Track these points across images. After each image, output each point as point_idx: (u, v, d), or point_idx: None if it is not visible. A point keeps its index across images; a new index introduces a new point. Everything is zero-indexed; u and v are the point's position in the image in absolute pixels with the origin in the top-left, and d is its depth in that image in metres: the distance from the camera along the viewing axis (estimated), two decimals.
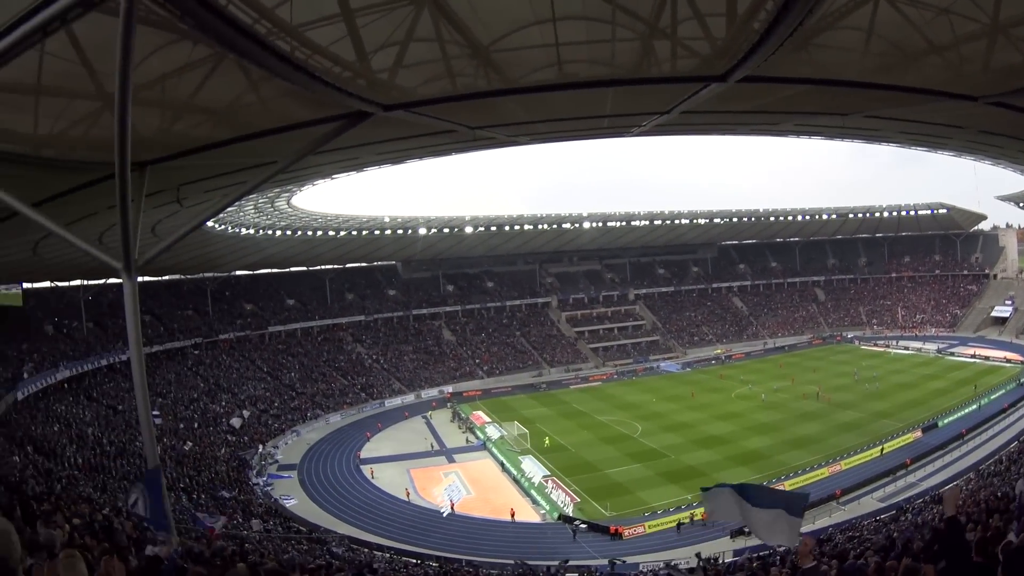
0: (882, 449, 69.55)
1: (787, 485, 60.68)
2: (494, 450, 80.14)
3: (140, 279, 19.77)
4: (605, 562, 45.63)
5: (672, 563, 43.46)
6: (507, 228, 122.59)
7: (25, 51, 10.88)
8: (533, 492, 66.01)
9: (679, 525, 55.90)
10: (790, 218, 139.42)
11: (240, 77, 13.95)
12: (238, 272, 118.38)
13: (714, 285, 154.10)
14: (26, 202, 19.01)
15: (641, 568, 44.23)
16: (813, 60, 15.01)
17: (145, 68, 12.50)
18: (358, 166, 36.52)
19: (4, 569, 5.04)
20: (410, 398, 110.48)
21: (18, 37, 10.13)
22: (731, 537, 52.12)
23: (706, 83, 15.59)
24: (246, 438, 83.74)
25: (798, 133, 31.91)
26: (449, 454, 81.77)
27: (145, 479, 21.59)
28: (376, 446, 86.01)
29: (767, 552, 37.91)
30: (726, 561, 39.10)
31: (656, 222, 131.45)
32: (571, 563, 46.73)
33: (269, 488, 70.33)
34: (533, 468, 70.72)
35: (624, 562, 45.78)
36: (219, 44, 11.40)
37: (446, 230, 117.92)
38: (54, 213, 22.92)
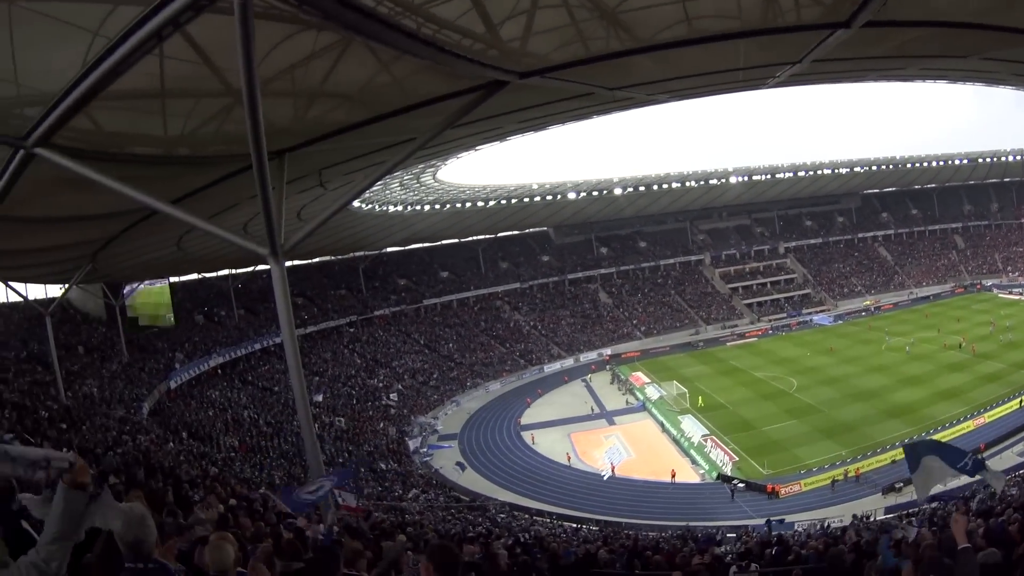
0: (1021, 401, 66.94)
1: (937, 439, 59.27)
2: (654, 411, 79.77)
3: (290, 263, 20.17)
4: (762, 522, 45.14)
5: (825, 523, 42.98)
6: (655, 187, 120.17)
7: (143, 57, 11.11)
8: (693, 452, 65.72)
9: (833, 482, 55.14)
10: (925, 164, 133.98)
11: (370, 59, 14.05)
12: (389, 249, 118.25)
13: (859, 235, 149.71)
14: (165, 200, 19.40)
15: (797, 528, 43.26)
16: (929, 3, 15.02)
17: (271, 61, 12.67)
18: (500, 135, 36.59)
19: (139, 552, 5.25)
20: (569, 362, 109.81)
21: (134, 44, 10.35)
22: (883, 494, 51.38)
23: (832, 30, 15.41)
24: (405, 411, 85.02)
25: (923, 77, 31.44)
26: (609, 416, 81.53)
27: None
28: (536, 412, 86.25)
29: (917, 511, 37.33)
30: (878, 519, 38.59)
31: (800, 173, 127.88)
32: (730, 523, 46.86)
33: (429, 459, 71.44)
34: (692, 427, 70.11)
35: (783, 520, 44.95)
36: (344, 29, 11.54)
37: (595, 193, 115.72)
38: (196, 208, 23.46)
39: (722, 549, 28.05)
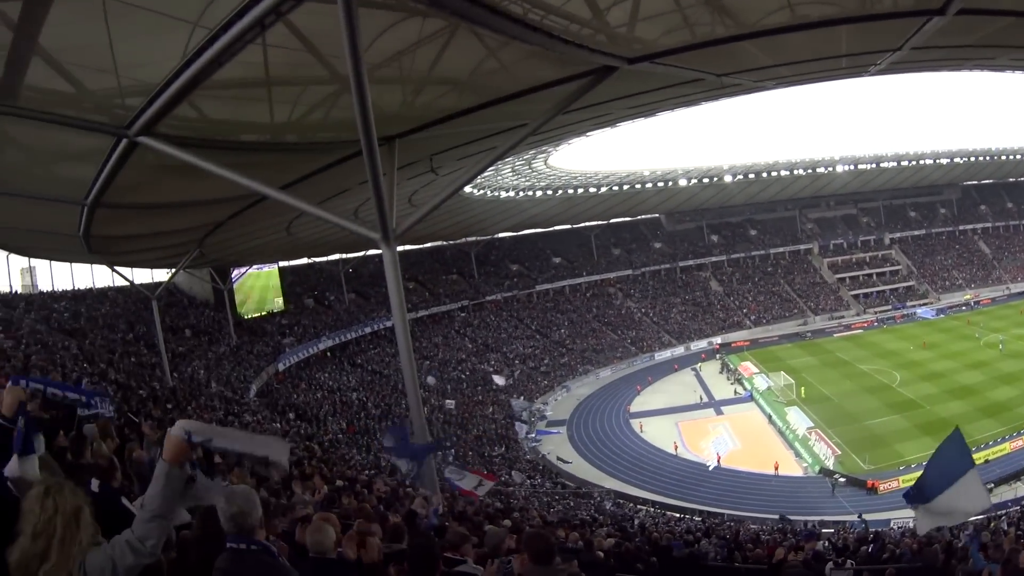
0: None
1: None
2: (761, 401, 78.79)
3: (402, 248, 20.18)
4: (857, 518, 44.77)
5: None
6: (765, 175, 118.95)
7: (245, 47, 11.28)
8: (797, 444, 64.96)
9: None
10: (1019, 156, 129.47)
11: (477, 45, 14.29)
12: (502, 234, 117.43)
13: (960, 227, 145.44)
14: (274, 186, 19.72)
15: (892, 525, 42.76)
16: None
17: (377, 48, 12.91)
18: (610, 122, 36.75)
19: (242, 531, 5.29)
20: (680, 350, 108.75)
21: (235, 34, 10.51)
22: None
23: (928, 16, 15.51)
24: (515, 395, 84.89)
25: (1013, 68, 31.11)
26: (717, 406, 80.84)
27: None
28: (646, 399, 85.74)
29: (1004, 513, 36.71)
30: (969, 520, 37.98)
31: (903, 163, 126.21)
32: (828, 519, 46.47)
33: (537, 444, 71.82)
34: (798, 419, 69.06)
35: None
36: (450, 15, 11.65)
37: (706, 180, 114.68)
38: (305, 193, 24.24)
39: (821, 545, 27.98)
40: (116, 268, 52.93)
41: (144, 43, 11.61)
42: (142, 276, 62.43)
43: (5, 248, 49.06)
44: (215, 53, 11.24)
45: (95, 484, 7.20)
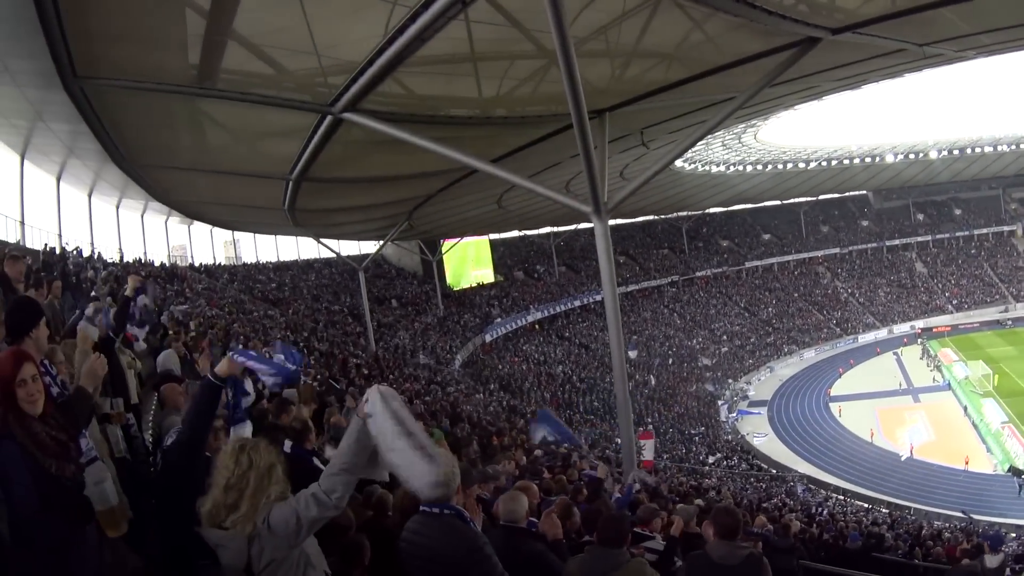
0: None
1: None
2: (958, 391, 75.83)
3: (613, 222, 20.37)
4: None
5: None
6: (969, 151, 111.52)
7: (448, 23, 11.57)
8: (989, 439, 62.19)
9: None
10: None
11: (681, 17, 14.45)
12: (712, 210, 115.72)
13: None
14: (484, 159, 20.20)
15: None
16: None
17: (582, 22, 13.21)
18: (817, 94, 36.33)
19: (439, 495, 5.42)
20: (882, 333, 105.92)
21: (436, 11, 10.82)
22: None
23: None
24: (719, 374, 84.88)
25: None
26: (915, 393, 78.27)
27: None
28: (846, 383, 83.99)
29: None
30: None
31: None
32: (1012, 521, 44.83)
33: (736, 423, 71.62)
34: (993, 413, 66.26)
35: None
36: None
37: (911, 156, 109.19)
38: (516, 167, 24.71)
39: (1002, 553, 27.40)
40: (322, 240, 54.90)
41: (342, 24, 12.08)
42: (349, 248, 64.65)
43: (211, 223, 51.12)
44: (417, 30, 11.66)
45: (288, 445, 7.55)
